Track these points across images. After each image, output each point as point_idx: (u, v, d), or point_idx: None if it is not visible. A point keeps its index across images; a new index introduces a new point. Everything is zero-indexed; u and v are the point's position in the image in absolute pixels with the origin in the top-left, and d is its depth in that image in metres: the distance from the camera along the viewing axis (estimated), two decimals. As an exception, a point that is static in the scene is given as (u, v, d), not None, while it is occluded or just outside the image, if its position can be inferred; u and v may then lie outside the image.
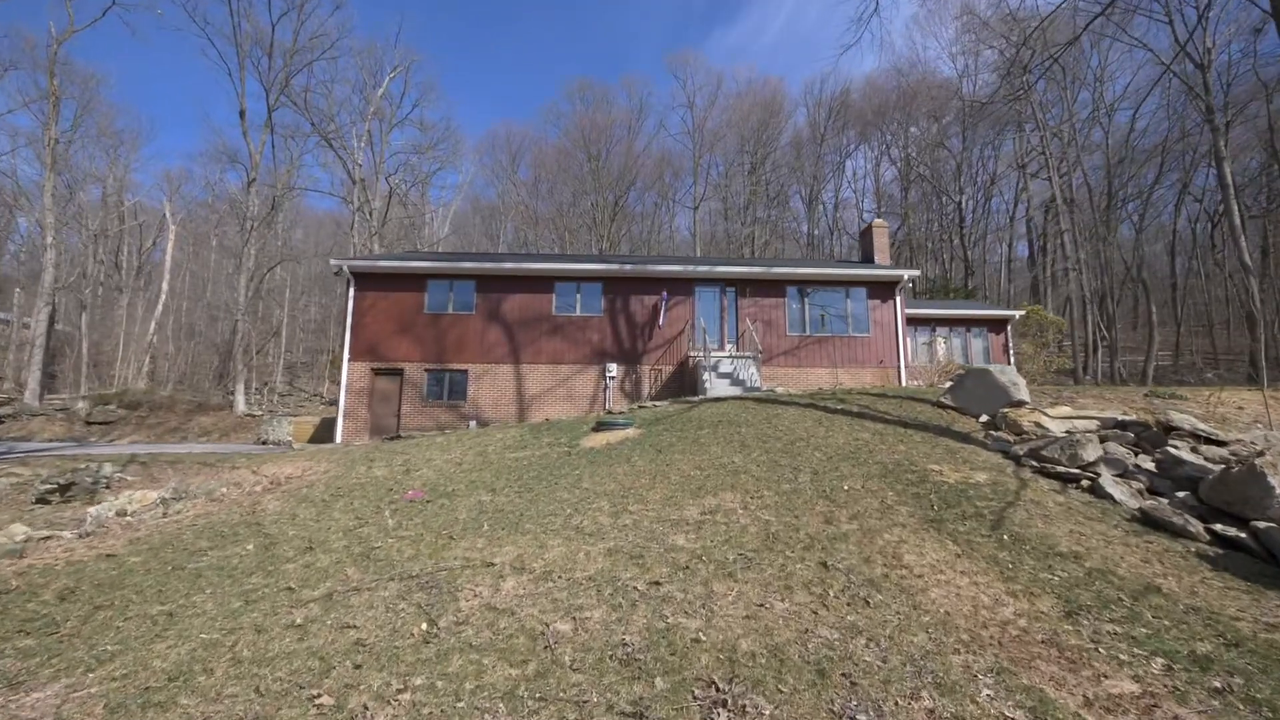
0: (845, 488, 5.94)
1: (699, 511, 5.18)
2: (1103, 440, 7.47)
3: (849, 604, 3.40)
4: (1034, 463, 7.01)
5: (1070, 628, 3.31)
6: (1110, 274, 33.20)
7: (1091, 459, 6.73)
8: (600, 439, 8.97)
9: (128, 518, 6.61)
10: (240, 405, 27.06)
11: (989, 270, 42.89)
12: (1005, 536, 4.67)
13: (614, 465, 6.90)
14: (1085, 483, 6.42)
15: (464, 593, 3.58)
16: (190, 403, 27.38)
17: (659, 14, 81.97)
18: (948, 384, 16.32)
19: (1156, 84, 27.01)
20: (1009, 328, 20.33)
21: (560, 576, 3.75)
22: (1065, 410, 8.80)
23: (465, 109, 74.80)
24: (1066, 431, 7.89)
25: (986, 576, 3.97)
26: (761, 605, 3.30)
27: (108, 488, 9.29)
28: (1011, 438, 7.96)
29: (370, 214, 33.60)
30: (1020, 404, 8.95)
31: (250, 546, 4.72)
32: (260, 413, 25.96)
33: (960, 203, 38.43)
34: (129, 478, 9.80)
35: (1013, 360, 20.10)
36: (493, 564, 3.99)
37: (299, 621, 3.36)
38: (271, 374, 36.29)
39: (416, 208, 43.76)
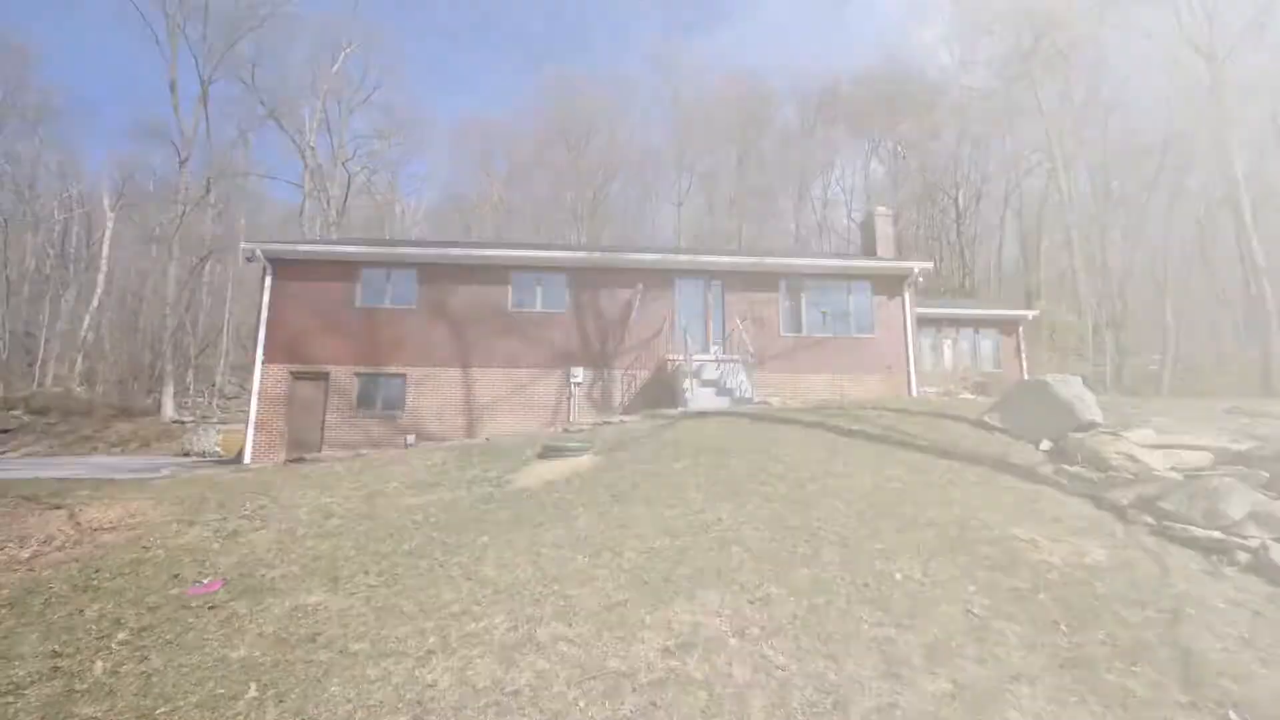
0: (897, 576, 3.73)
1: (660, 644, 2.92)
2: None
3: None
4: (1149, 519, 4.91)
5: None
6: (1108, 274, 31.81)
7: (1238, 516, 4.63)
8: (542, 472, 6.70)
9: None
10: (168, 410, 24.14)
11: (978, 271, 41.40)
12: (1226, 710, 2.49)
13: (544, 527, 4.62)
14: (1242, 556, 4.31)
15: None
16: (112, 407, 24.40)
17: (648, 13, 79.41)
18: (964, 393, 14.38)
19: (1170, 78, 25.51)
20: (1020, 329, 18.48)
21: None
22: (1148, 435, 6.71)
23: (434, 94, 70.80)
24: (1173, 468, 5.82)
25: None
26: None
27: None
28: (1095, 475, 5.85)
29: (328, 203, 30.70)
30: (1090, 425, 6.85)
31: None
32: (190, 419, 23.07)
33: (956, 198, 36.80)
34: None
35: (1025, 364, 18.24)
36: None
37: None
38: (215, 375, 33.18)
39: (385, 198, 40.92)
